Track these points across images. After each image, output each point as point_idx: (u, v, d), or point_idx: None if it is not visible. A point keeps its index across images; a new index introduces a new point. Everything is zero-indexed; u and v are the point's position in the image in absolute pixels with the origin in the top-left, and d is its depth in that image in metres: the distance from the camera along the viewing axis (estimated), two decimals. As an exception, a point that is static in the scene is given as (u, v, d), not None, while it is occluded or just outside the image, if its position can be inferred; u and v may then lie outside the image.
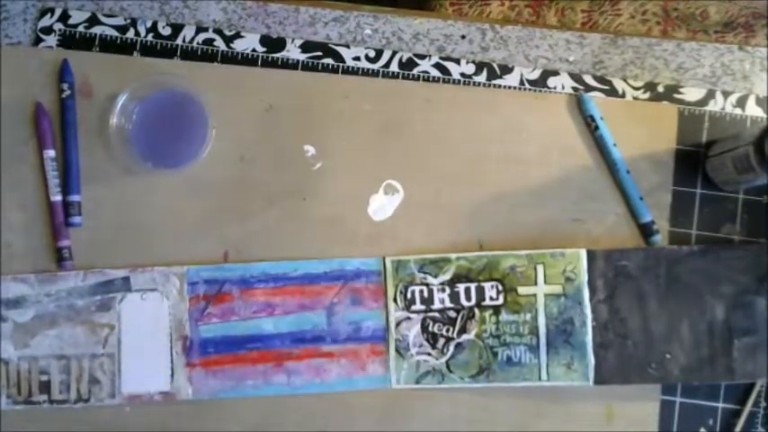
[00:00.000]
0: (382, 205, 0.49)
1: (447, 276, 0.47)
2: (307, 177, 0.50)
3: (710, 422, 0.48)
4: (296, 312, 0.47)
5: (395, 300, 0.48)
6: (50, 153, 0.49)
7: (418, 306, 0.47)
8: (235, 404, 0.47)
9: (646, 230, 0.49)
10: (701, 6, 0.72)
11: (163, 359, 0.47)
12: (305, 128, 0.50)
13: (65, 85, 0.49)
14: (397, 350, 0.47)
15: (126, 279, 0.48)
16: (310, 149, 0.50)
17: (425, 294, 0.47)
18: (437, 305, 0.47)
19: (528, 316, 0.47)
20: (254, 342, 0.47)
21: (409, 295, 0.47)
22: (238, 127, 0.50)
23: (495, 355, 0.47)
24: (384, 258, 0.48)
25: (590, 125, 0.49)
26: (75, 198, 0.49)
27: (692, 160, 0.50)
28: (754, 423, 0.48)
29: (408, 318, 0.47)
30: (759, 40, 0.70)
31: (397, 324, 0.47)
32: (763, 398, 0.48)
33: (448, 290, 0.47)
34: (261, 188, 0.49)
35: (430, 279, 0.48)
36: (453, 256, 0.48)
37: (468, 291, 0.47)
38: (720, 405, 0.48)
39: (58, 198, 0.48)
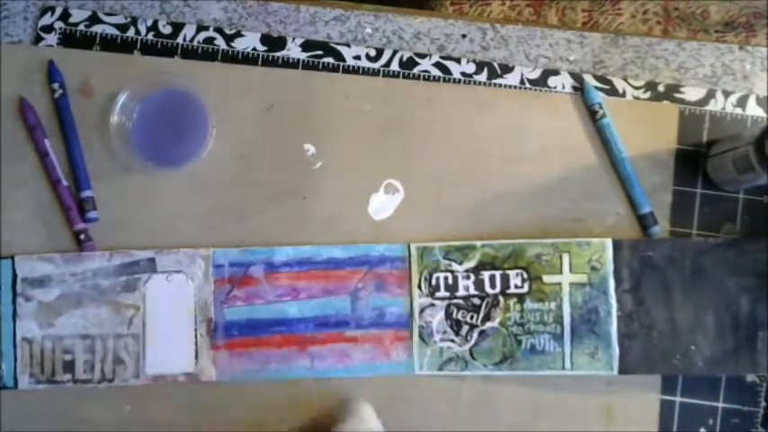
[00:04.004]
0: (382, 204, 0.49)
1: (472, 264, 0.48)
2: (307, 176, 0.50)
3: (710, 422, 0.48)
4: (320, 297, 0.48)
5: (419, 286, 0.48)
6: (46, 142, 0.49)
7: (442, 293, 0.48)
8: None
9: (645, 221, 0.49)
10: (701, 6, 0.72)
11: (187, 341, 0.47)
12: (305, 127, 0.50)
13: (55, 85, 0.49)
14: (421, 336, 0.47)
15: (151, 260, 0.48)
16: (310, 148, 0.50)
17: (450, 281, 0.48)
18: (461, 292, 0.48)
19: (553, 304, 0.47)
20: (278, 326, 0.47)
21: (434, 282, 0.48)
22: (239, 126, 0.50)
23: (519, 343, 0.47)
24: (409, 245, 0.48)
25: (594, 114, 0.49)
26: (87, 194, 0.49)
27: (692, 160, 0.50)
28: (754, 423, 0.48)
29: (432, 304, 0.47)
30: (760, 40, 0.70)
31: (421, 310, 0.47)
32: (764, 398, 0.48)
33: (473, 277, 0.48)
34: (261, 187, 0.49)
35: (455, 266, 0.48)
36: (478, 243, 0.48)
37: (492, 278, 0.48)
38: (720, 405, 0.48)
39: (64, 184, 0.48)
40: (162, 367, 0.47)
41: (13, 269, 0.48)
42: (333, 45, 0.51)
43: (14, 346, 0.47)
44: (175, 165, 0.48)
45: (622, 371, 0.46)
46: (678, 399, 0.48)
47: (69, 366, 0.47)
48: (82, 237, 0.48)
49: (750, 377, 0.48)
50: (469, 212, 0.49)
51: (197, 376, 0.47)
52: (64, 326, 0.47)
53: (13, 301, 0.47)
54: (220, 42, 0.51)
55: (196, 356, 0.47)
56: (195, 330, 0.47)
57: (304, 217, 0.49)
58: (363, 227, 0.49)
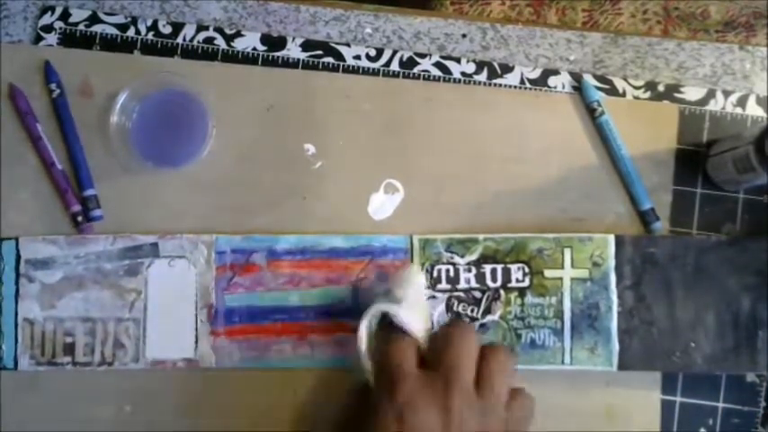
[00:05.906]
0: (382, 204, 0.49)
1: (474, 257, 0.48)
2: (307, 176, 0.50)
3: (710, 422, 0.48)
4: (322, 286, 0.48)
5: None
6: (38, 126, 0.49)
7: (444, 285, 0.48)
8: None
9: (646, 218, 0.49)
10: (701, 6, 0.72)
11: (188, 326, 0.47)
12: (305, 127, 0.50)
13: (52, 86, 0.49)
14: None
15: (154, 245, 0.48)
16: (310, 148, 0.50)
17: (451, 274, 0.48)
18: (463, 285, 0.48)
19: (553, 299, 0.47)
20: (278, 314, 0.47)
21: (435, 274, 0.48)
22: (239, 126, 0.50)
23: (519, 337, 0.47)
24: (411, 236, 0.48)
25: (593, 112, 0.49)
26: (90, 192, 0.49)
27: (692, 160, 0.50)
28: (754, 423, 0.48)
29: (433, 296, 0.47)
30: (760, 40, 0.70)
31: None
32: (764, 398, 0.48)
33: (474, 270, 0.48)
34: (261, 187, 0.49)
35: (456, 259, 0.48)
36: (481, 236, 0.48)
37: (494, 272, 0.48)
38: (720, 405, 0.48)
39: (58, 167, 0.48)
40: (162, 352, 0.47)
41: (17, 250, 0.48)
42: (333, 45, 0.51)
43: (16, 326, 0.47)
44: (175, 165, 0.48)
45: (622, 366, 0.47)
46: (678, 398, 0.48)
47: (70, 349, 0.47)
48: (79, 219, 0.48)
49: (750, 377, 0.48)
50: (469, 212, 0.49)
51: (197, 362, 0.47)
52: (65, 308, 0.47)
53: (16, 282, 0.48)
54: (220, 42, 0.51)
55: (196, 342, 0.47)
56: (196, 316, 0.47)
57: (304, 217, 0.49)
58: (363, 227, 0.49)
